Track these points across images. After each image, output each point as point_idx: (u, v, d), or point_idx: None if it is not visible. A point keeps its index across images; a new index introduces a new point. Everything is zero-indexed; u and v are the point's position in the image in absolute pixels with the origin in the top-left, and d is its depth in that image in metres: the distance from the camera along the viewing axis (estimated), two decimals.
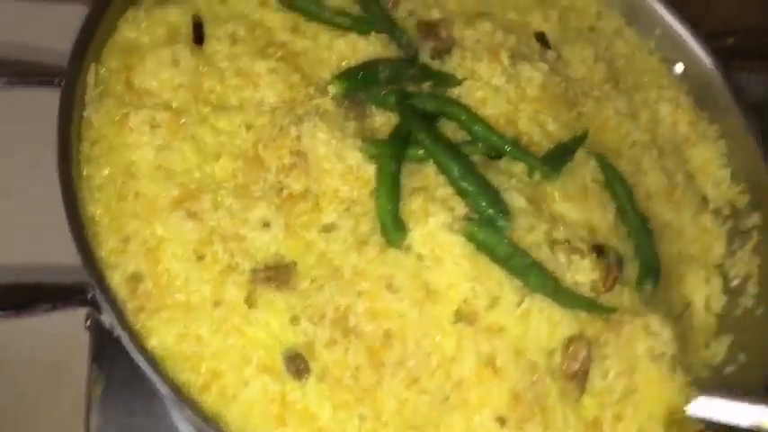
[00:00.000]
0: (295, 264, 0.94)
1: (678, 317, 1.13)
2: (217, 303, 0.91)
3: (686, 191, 1.22)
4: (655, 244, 1.09)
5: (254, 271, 0.93)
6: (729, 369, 1.11)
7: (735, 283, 1.19)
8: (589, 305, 0.94)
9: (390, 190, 0.95)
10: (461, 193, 0.95)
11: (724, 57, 1.30)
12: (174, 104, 0.98)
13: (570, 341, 0.92)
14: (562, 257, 0.95)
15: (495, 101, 1.09)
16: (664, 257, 1.14)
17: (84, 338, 1.18)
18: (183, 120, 0.96)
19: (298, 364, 0.90)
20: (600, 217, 1.02)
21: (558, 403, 0.90)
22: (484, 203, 0.94)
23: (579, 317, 0.93)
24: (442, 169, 0.98)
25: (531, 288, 0.92)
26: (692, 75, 1.31)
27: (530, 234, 0.95)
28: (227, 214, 0.94)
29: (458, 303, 0.91)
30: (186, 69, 0.99)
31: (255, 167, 0.97)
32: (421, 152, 1.00)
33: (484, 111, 1.08)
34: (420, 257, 0.92)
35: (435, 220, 0.92)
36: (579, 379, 0.91)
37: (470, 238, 0.91)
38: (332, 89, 1.02)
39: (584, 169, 1.08)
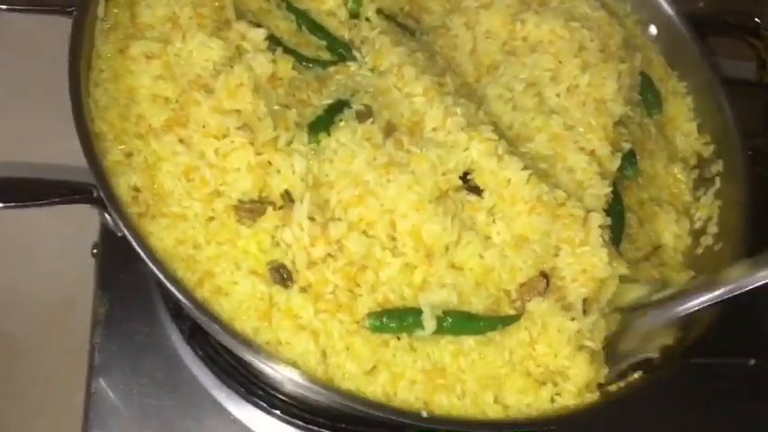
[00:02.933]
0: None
1: (648, 255, 1.23)
2: (210, 219, 1.00)
3: (658, 142, 1.31)
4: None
5: (240, 201, 1.01)
6: None
7: (698, 225, 1.27)
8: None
9: None
10: None
11: (694, 19, 1.39)
12: (166, 36, 1.06)
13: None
14: None
15: None
16: (637, 202, 1.25)
17: (90, 264, 1.28)
18: (170, 50, 1.04)
19: (282, 274, 0.99)
20: None
21: None
22: None
23: (538, 262, 1.04)
24: None
25: None
26: (664, 36, 1.40)
27: None
28: (210, 146, 1.01)
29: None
30: (184, 4, 1.07)
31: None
32: None
33: None
34: None
35: None
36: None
37: None
38: None
39: None
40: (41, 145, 1.37)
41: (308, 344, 0.96)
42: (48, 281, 1.45)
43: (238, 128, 0.99)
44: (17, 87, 1.45)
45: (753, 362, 1.53)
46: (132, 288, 1.27)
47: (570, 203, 1.05)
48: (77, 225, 1.37)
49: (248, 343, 0.92)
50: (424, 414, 0.94)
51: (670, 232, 1.24)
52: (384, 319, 0.98)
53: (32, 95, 1.43)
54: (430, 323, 0.97)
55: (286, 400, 1.24)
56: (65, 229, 1.43)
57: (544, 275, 1.03)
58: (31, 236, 1.46)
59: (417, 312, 0.99)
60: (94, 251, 1.28)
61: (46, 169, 1.33)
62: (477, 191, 1.06)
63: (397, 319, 0.99)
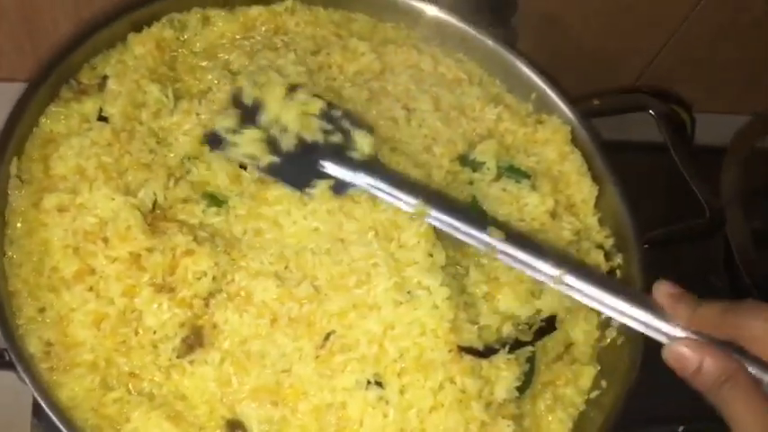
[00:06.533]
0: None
1: (561, 355, 1.28)
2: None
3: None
4: None
5: None
6: (594, 393, 1.26)
7: (603, 317, 1.33)
8: None
9: None
10: None
11: (590, 115, 1.48)
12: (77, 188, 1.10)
13: None
14: None
15: None
16: None
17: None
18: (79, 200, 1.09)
19: None
20: None
21: None
22: None
23: None
24: None
25: None
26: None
27: None
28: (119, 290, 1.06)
29: None
30: (89, 155, 1.12)
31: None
32: None
33: None
34: None
35: None
36: None
37: None
38: None
39: None
40: None
41: None
42: None
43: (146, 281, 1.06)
44: None
45: (681, 429, 1.59)
46: None
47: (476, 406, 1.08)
48: None
49: None
50: None
51: (580, 329, 1.30)
52: None
53: None
54: None
55: None
56: None
57: None
58: None
59: None
60: None
61: None
62: None
63: None
